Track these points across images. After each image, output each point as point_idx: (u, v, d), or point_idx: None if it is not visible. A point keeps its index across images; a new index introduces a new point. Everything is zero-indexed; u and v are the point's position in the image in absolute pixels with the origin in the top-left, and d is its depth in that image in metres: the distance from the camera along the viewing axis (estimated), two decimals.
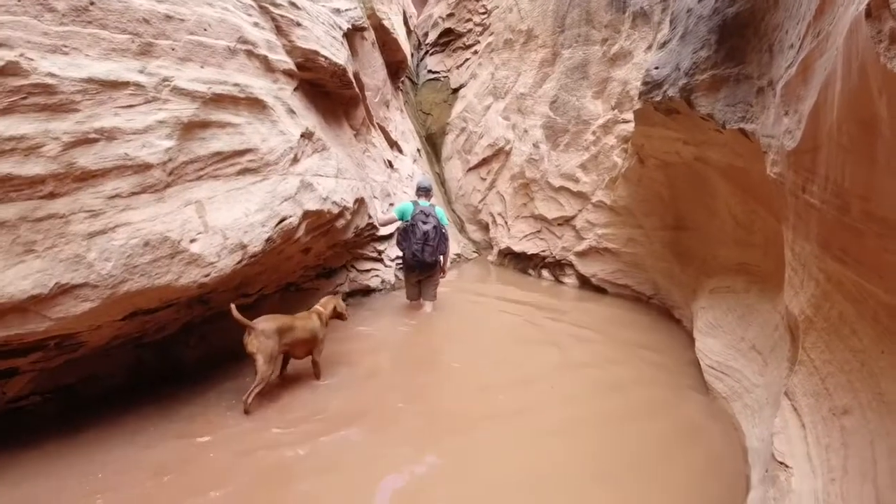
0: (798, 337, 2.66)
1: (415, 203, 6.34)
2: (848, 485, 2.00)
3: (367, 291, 7.08)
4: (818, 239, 2.32)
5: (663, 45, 5.22)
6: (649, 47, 7.13)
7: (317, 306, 4.60)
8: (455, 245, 9.13)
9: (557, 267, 8.59)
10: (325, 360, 4.52)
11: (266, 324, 3.89)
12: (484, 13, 11.00)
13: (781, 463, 2.43)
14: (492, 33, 10.65)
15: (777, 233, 3.46)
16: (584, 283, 8.03)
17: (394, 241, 6.89)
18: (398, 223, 6.48)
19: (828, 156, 2.07)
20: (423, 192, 6.43)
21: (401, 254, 6.55)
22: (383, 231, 7.40)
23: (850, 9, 1.79)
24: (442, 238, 6.25)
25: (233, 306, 3.76)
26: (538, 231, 8.99)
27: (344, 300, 5.47)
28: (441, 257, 6.41)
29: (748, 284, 4.49)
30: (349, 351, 5.01)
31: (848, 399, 2.17)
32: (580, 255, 8.03)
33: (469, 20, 11.29)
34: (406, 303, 6.70)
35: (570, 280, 8.29)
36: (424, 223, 6.11)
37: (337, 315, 4.76)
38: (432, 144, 11.80)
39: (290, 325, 4.08)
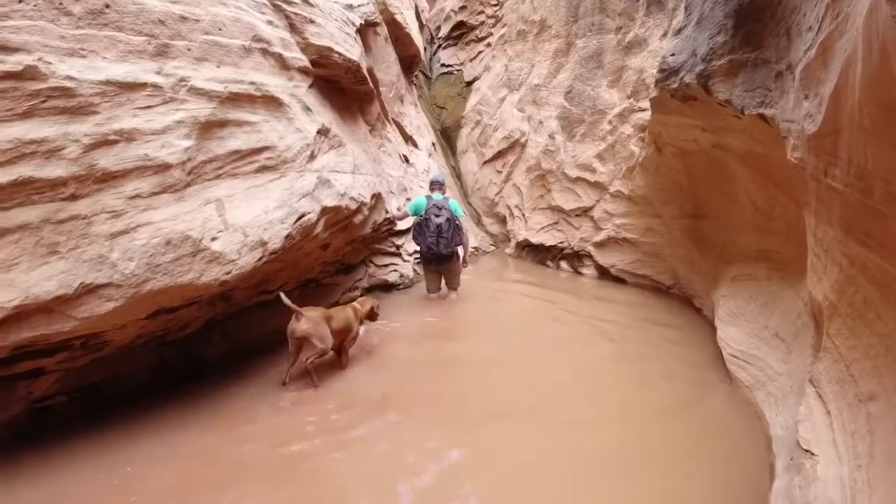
0: (822, 323, 2.63)
1: (428, 197, 6.46)
2: (874, 471, 1.98)
3: (388, 287, 7.12)
4: (841, 223, 2.28)
5: (679, 31, 5.16)
6: (664, 34, 7.02)
7: (354, 303, 4.91)
8: (472, 238, 9.12)
9: (576, 258, 8.53)
10: (352, 352, 4.68)
11: (313, 312, 4.18)
12: (496, 5, 10.93)
13: (807, 450, 2.41)
14: (504, 25, 10.58)
15: (798, 218, 3.41)
16: (603, 273, 7.96)
17: (411, 235, 6.96)
18: (414, 218, 6.58)
19: (849, 138, 2.03)
20: (437, 185, 6.61)
21: (418, 248, 6.65)
22: (401, 226, 7.46)
23: None
24: (456, 230, 6.38)
25: (282, 294, 4.08)
26: (556, 222, 8.93)
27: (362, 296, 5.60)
28: (459, 248, 6.53)
29: (770, 272, 4.42)
30: (375, 345, 5.11)
31: (873, 385, 2.14)
32: (598, 245, 7.97)
33: (481, 12, 11.23)
34: (426, 296, 6.78)
35: (589, 271, 8.23)
36: (437, 216, 6.27)
37: (370, 315, 5.03)
38: (447, 138, 11.77)
39: (329, 316, 4.34)
